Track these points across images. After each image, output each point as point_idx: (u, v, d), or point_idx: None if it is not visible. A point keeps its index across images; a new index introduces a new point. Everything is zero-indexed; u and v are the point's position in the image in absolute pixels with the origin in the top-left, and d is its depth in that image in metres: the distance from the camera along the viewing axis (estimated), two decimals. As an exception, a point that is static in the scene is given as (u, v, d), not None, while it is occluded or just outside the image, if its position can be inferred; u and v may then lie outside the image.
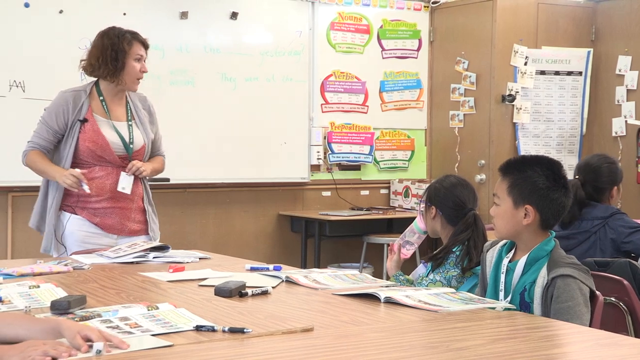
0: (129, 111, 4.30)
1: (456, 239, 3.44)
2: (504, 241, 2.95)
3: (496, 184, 2.91)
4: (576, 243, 3.97)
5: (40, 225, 4.26)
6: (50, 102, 4.26)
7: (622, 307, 3.36)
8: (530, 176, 2.82)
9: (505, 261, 2.86)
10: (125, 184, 4.18)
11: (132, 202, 4.27)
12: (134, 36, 4.28)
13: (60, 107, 4.18)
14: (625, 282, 3.37)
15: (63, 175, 4.06)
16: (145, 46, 4.31)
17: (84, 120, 4.16)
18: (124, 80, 4.22)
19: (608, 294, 3.26)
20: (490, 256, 2.96)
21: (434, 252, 3.52)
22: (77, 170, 4.07)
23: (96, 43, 4.25)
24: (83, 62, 4.28)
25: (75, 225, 4.17)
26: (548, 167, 2.84)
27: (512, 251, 2.88)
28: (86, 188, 4.04)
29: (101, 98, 4.23)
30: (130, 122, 4.27)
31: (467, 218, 3.46)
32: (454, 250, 3.43)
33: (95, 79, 4.28)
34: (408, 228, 3.85)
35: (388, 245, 3.80)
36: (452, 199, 3.49)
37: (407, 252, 3.81)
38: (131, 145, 4.23)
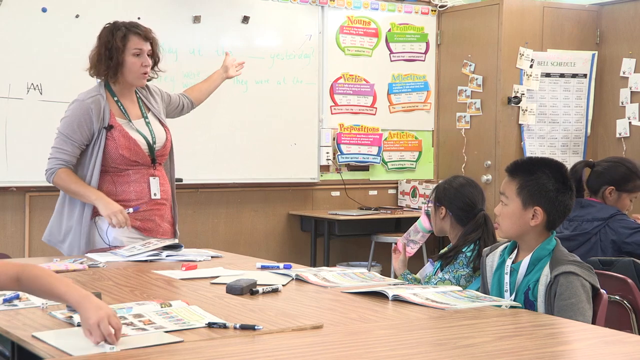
0: (141, 107, 4.07)
1: (466, 238, 3.45)
2: (504, 245, 2.96)
3: (503, 184, 2.91)
4: (577, 245, 3.92)
5: (54, 238, 4.02)
6: (68, 110, 3.98)
7: (627, 305, 3.35)
8: (540, 178, 2.82)
9: (509, 262, 2.87)
10: (155, 189, 4.03)
11: (167, 202, 4.11)
12: (130, 29, 3.97)
13: (82, 117, 3.89)
14: (630, 280, 3.36)
15: (111, 212, 3.81)
16: (147, 38, 3.99)
17: (110, 127, 3.91)
18: (126, 78, 3.95)
19: (612, 292, 3.26)
20: (491, 260, 2.97)
21: (444, 251, 3.53)
22: (125, 212, 3.85)
23: (96, 42, 3.99)
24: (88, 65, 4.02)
25: (117, 231, 3.91)
26: (556, 169, 2.86)
27: (514, 252, 2.90)
28: (127, 225, 3.88)
29: (116, 99, 3.97)
30: (147, 119, 4.05)
31: (477, 218, 3.47)
32: (463, 250, 3.44)
33: (103, 80, 4.01)
34: (412, 227, 3.86)
35: (395, 244, 3.83)
36: (462, 199, 3.51)
37: (411, 250, 3.82)
38: (154, 145, 4.01)
